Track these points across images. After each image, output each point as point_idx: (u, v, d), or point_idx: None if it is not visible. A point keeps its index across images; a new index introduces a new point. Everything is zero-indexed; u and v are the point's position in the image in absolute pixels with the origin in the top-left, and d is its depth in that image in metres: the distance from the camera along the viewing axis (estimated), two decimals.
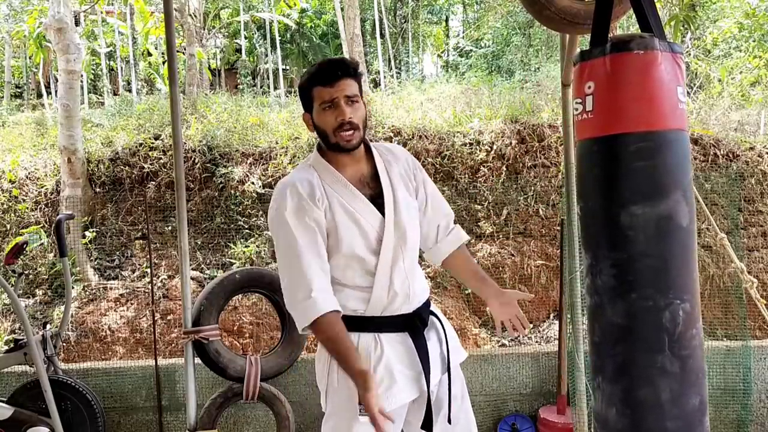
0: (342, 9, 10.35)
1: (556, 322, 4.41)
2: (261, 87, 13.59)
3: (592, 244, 1.69)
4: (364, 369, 1.57)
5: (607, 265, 1.63)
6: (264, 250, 4.85)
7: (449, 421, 1.79)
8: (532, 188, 5.06)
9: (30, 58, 9.95)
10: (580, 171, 1.74)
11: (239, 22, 14.09)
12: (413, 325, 1.75)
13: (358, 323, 1.73)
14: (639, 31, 1.69)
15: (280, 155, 5.36)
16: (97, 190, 5.30)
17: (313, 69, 1.71)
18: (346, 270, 1.70)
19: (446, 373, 1.80)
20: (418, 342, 1.74)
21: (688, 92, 7.15)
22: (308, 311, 1.60)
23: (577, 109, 1.68)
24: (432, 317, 1.83)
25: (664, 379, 1.57)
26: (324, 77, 1.66)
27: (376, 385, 1.55)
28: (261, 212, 5.04)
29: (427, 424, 1.75)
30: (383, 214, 1.71)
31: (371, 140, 1.85)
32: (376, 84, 11.25)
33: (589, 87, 1.62)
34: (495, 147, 5.20)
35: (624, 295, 1.60)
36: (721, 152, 5.22)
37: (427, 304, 1.83)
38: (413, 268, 1.76)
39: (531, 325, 4.73)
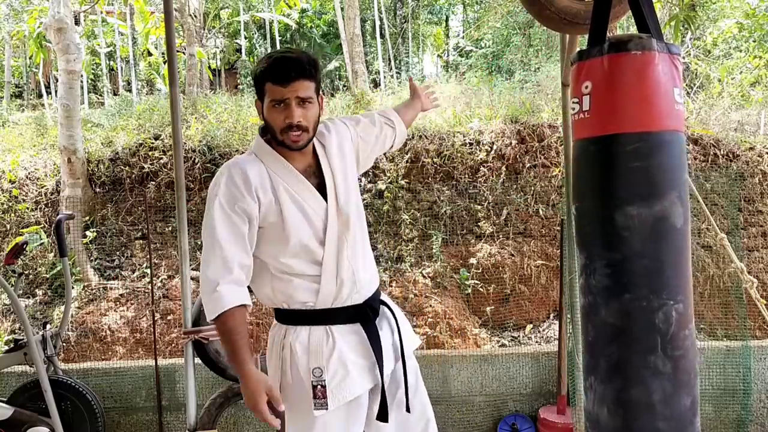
0: (342, 9, 10.35)
1: (556, 322, 4.41)
2: None
3: (587, 244, 1.69)
4: (254, 371, 1.61)
5: (602, 265, 1.63)
6: None
7: (407, 410, 1.79)
8: (532, 188, 5.06)
9: (30, 58, 9.95)
10: (577, 171, 1.74)
11: (239, 22, 14.09)
12: (364, 315, 1.75)
13: (309, 317, 1.72)
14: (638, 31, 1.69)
15: None
16: (97, 190, 5.30)
17: (268, 62, 1.65)
18: (293, 259, 1.69)
19: (400, 362, 1.79)
20: (370, 332, 1.73)
21: (688, 92, 7.19)
22: (215, 305, 1.61)
23: (574, 109, 1.68)
24: (383, 307, 1.83)
25: (656, 380, 1.58)
26: (277, 75, 1.61)
27: (263, 389, 1.59)
28: None
29: (382, 414, 1.75)
30: (327, 201, 1.71)
31: None
32: (376, 84, 11.24)
33: (587, 87, 1.62)
34: (495, 147, 5.20)
35: (618, 296, 1.60)
36: (721, 152, 5.21)
37: (377, 293, 1.82)
38: (357, 256, 1.75)
39: (531, 325, 4.74)
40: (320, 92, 1.72)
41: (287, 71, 1.60)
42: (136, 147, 5.43)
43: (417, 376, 1.89)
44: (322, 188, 1.72)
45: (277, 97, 1.62)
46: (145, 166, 5.28)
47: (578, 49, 1.69)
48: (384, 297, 1.87)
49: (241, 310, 1.63)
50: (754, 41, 7.68)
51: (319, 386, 1.67)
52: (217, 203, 1.63)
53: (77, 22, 9.43)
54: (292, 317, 1.75)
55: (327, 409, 1.67)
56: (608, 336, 1.65)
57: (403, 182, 5.15)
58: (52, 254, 4.93)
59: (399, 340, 1.80)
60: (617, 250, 1.60)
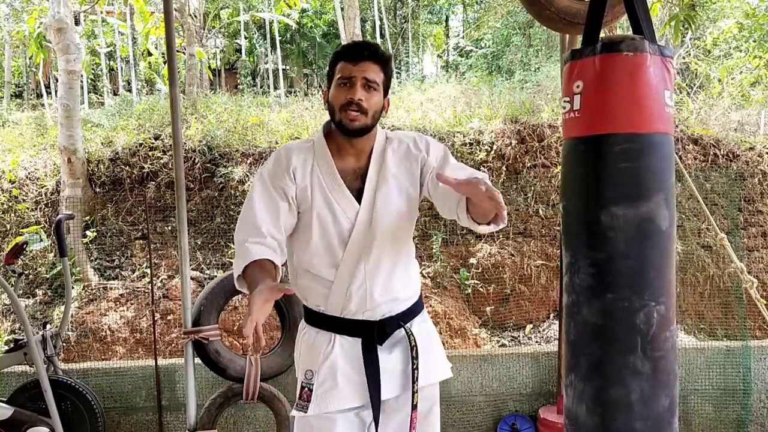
0: (342, 9, 10.36)
1: (556, 322, 4.41)
2: (261, 87, 13.57)
3: (573, 243, 1.69)
4: (263, 287, 1.40)
5: (586, 264, 1.63)
6: None
7: None
8: (532, 188, 5.06)
9: (30, 58, 9.94)
10: (565, 169, 1.73)
11: (239, 22, 14.10)
12: (368, 334, 1.69)
13: (320, 320, 1.72)
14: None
15: None
16: (97, 190, 5.30)
17: (346, 44, 1.73)
18: (313, 257, 1.69)
19: (409, 392, 1.73)
20: (368, 353, 1.68)
21: (688, 92, 7.18)
22: (240, 259, 1.56)
23: (564, 108, 1.68)
24: (404, 333, 1.73)
25: (635, 380, 1.58)
26: (349, 54, 1.66)
27: (261, 302, 1.35)
28: None
29: None
30: (361, 205, 1.69)
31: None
32: None
33: (578, 86, 1.62)
34: (495, 147, 5.20)
35: (600, 295, 1.61)
36: (721, 152, 5.22)
37: (400, 317, 1.74)
38: (378, 274, 1.68)
39: (531, 325, 4.74)
40: (388, 91, 1.71)
41: (360, 51, 1.65)
42: (136, 147, 5.43)
43: (433, 407, 1.84)
44: (362, 192, 1.69)
45: (345, 74, 1.63)
46: (145, 166, 5.28)
47: (571, 49, 1.69)
48: (417, 328, 1.77)
49: (270, 263, 1.55)
50: (754, 41, 7.68)
51: (306, 388, 1.67)
52: (259, 177, 1.69)
53: (77, 22, 9.42)
54: (309, 316, 1.76)
55: (305, 412, 1.64)
56: (589, 335, 1.65)
57: None
58: (52, 254, 4.93)
59: (414, 370, 1.71)
60: (602, 250, 1.60)
